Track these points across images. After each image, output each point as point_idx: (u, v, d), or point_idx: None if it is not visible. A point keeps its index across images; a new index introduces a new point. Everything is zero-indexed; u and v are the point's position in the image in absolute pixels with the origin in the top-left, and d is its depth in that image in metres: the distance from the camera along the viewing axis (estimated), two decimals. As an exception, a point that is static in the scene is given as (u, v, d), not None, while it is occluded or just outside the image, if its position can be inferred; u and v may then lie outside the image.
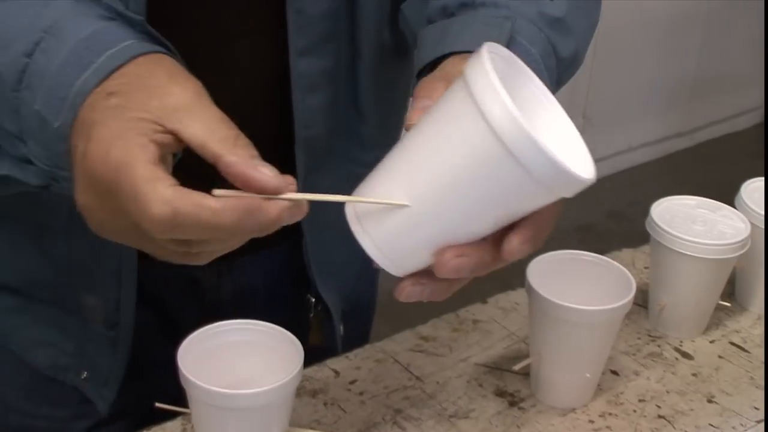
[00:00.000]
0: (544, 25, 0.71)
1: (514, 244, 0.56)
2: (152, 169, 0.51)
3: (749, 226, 0.97)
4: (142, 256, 0.71)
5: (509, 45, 0.67)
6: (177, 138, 0.53)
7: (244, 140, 0.54)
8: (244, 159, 0.52)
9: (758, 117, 3.65)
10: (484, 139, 0.49)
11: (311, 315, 0.94)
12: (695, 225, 0.97)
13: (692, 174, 3.25)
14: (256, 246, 0.60)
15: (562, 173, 0.50)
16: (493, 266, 0.58)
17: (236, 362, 0.78)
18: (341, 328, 0.95)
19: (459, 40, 0.67)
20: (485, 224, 0.55)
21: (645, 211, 0.98)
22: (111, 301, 0.84)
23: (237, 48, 0.79)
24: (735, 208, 1.01)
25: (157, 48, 0.58)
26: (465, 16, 0.70)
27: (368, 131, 0.88)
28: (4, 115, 0.59)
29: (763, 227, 0.99)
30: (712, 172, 3.25)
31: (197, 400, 0.73)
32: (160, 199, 0.50)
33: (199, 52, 0.66)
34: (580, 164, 0.55)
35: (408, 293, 0.59)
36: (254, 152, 0.54)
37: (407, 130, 0.57)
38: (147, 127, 0.53)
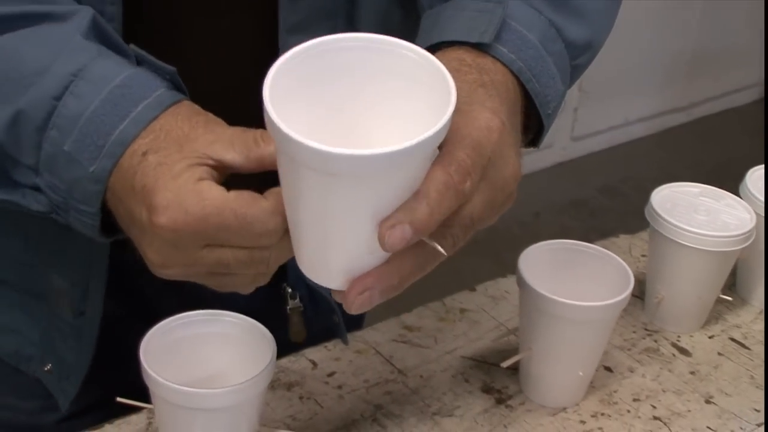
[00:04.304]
0: (545, 7, 0.68)
1: (383, 230, 0.52)
2: (239, 196, 0.55)
3: (754, 217, 0.91)
4: (117, 245, 0.69)
5: (502, 31, 0.65)
6: (222, 164, 0.57)
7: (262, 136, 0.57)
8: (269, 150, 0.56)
9: (757, 93, 3.59)
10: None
11: (288, 307, 0.88)
12: (698, 214, 0.91)
13: (689, 150, 3.19)
14: None
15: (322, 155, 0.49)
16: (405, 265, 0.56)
17: (204, 356, 0.73)
18: (340, 313, 0.89)
19: (447, 30, 0.66)
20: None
21: (639, 187, 0.94)
22: (79, 286, 0.80)
23: (222, 24, 0.73)
24: (738, 194, 0.95)
25: (180, 96, 0.60)
26: (458, 2, 0.68)
27: None
28: (24, 149, 0.59)
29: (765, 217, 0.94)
30: (709, 149, 3.19)
31: (160, 398, 0.67)
32: (270, 215, 0.55)
33: (180, 28, 0.65)
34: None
35: (358, 305, 0.56)
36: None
37: None
38: (198, 170, 0.55)
